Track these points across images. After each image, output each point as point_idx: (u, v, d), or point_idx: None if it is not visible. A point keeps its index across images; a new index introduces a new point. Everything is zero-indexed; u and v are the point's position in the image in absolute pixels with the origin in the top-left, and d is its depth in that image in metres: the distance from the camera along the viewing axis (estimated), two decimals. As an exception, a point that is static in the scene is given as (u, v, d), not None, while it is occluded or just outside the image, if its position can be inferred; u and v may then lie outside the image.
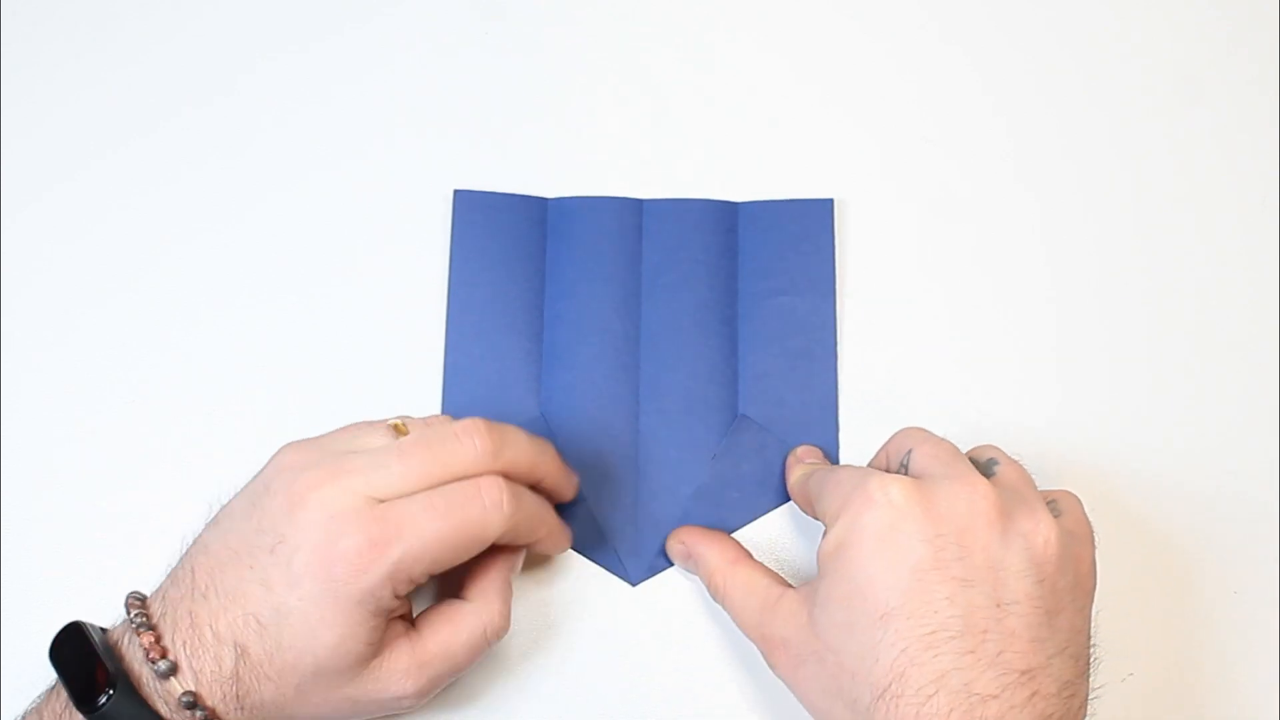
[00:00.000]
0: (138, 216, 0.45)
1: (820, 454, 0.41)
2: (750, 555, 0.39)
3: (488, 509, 0.33)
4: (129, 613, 0.33)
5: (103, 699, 0.31)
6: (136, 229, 0.45)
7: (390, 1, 0.48)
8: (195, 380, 0.43)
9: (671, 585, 0.41)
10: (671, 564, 0.40)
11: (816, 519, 0.37)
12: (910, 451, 0.36)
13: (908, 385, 0.43)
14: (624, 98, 0.46)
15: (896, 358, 0.43)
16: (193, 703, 0.31)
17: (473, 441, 0.34)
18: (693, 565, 0.39)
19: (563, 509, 0.39)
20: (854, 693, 0.31)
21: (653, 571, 0.40)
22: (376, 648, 0.33)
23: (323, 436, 0.36)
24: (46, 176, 0.45)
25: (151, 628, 0.33)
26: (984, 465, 0.36)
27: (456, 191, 0.44)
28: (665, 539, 0.40)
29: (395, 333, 0.43)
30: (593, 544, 0.40)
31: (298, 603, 0.32)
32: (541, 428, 0.41)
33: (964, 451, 0.36)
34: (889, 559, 0.31)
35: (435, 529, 0.32)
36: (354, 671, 0.33)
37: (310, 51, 0.47)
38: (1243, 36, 0.49)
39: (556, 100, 0.46)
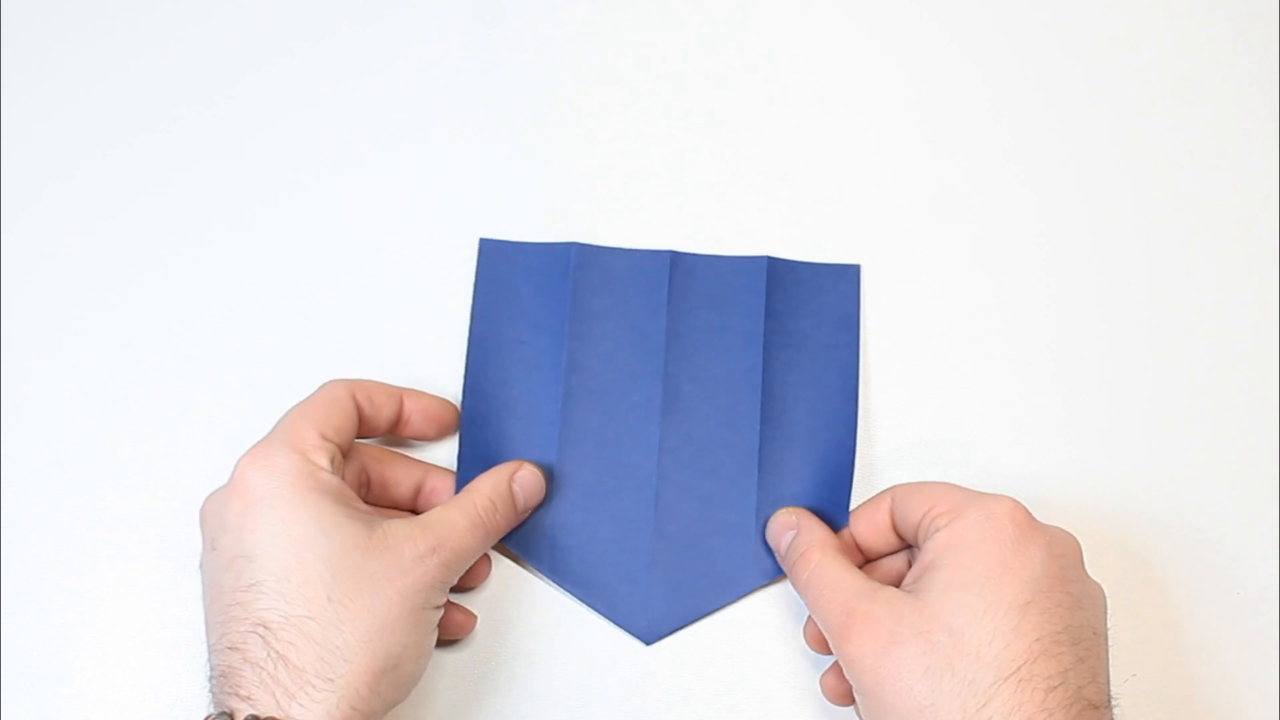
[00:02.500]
0: (154, 278, 0.45)
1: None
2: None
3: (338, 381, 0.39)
4: None
5: None
6: (153, 289, 0.45)
7: (406, 42, 0.48)
8: (223, 425, 0.43)
9: (686, 644, 0.41)
10: (681, 625, 0.40)
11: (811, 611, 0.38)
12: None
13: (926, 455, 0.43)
14: (638, 142, 0.47)
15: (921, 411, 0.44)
16: None
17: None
18: (788, 538, 0.39)
19: (580, 569, 0.40)
20: (973, 673, 0.31)
21: (667, 629, 0.40)
22: (361, 517, 0.35)
23: None
24: (51, 176, 0.46)
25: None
26: None
27: (482, 240, 0.44)
28: (691, 589, 0.41)
29: (412, 375, 0.43)
30: (607, 600, 0.40)
31: (253, 535, 0.34)
32: (558, 475, 0.41)
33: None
34: (1022, 560, 0.33)
35: (300, 404, 0.37)
36: (357, 545, 0.34)
37: (334, 96, 0.47)
38: (1242, 38, 0.49)
39: (571, 140, 0.46)
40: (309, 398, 0.38)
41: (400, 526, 0.35)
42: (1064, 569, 0.34)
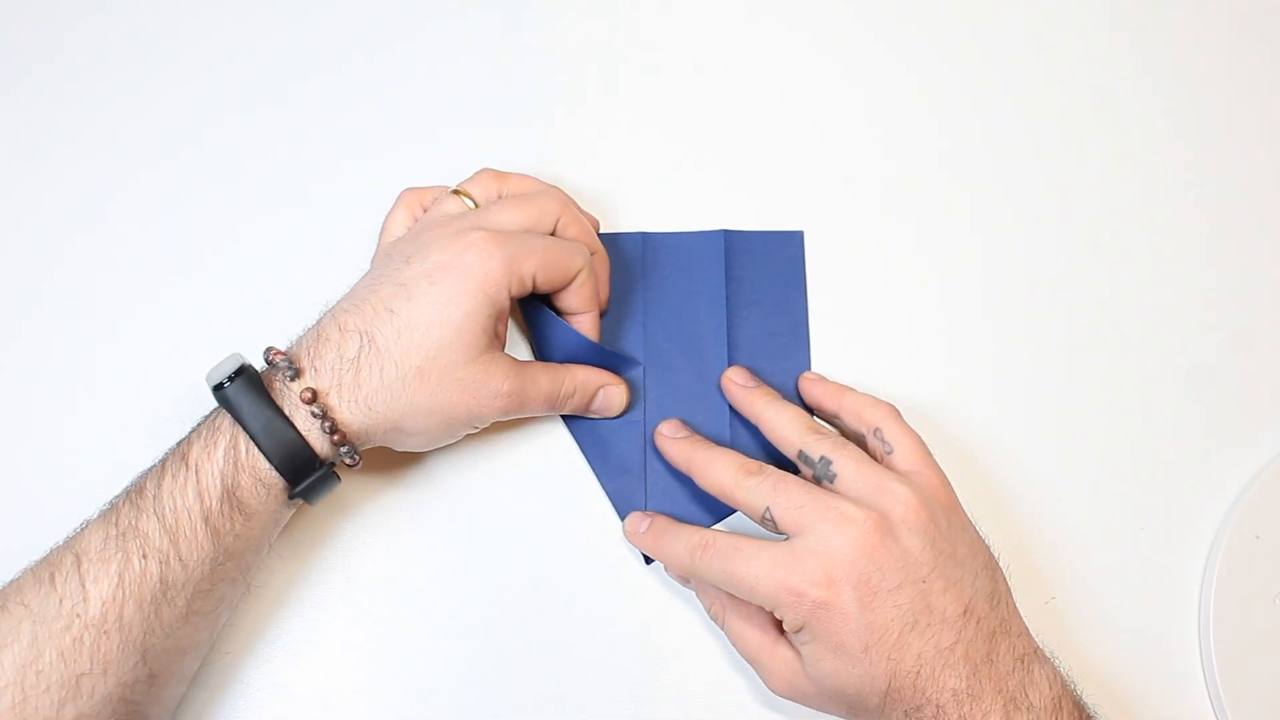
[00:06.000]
0: (164, 233, 0.47)
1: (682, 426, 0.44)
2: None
3: (574, 252, 0.41)
4: (266, 351, 0.39)
5: (225, 382, 0.37)
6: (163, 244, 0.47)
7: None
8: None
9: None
10: None
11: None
12: (769, 510, 0.39)
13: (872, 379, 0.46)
14: (611, 149, 0.50)
15: (862, 356, 0.47)
16: (311, 398, 0.37)
17: (550, 200, 0.42)
18: (691, 586, 0.43)
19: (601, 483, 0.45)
20: (865, 704, 0.37)
21: None
22: (489, 341, 0.39)
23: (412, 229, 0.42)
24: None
25: (277, 350, 0.38)
26: (820, 469, 0.40)
27: None
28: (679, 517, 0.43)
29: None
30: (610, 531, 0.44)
31: (430, 286, 0.38)
32: (567, 433, 0.46)
33: (794, 446, 0.41)
34: (843, 623, 0.37)
35: (541, 246, 0.40)
36: (469, 354, 0.39)
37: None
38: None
39: (561, 156, 0.49)
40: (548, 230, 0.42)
41: (501, 363, 0.40)
42: (866, 585, 0.36)
